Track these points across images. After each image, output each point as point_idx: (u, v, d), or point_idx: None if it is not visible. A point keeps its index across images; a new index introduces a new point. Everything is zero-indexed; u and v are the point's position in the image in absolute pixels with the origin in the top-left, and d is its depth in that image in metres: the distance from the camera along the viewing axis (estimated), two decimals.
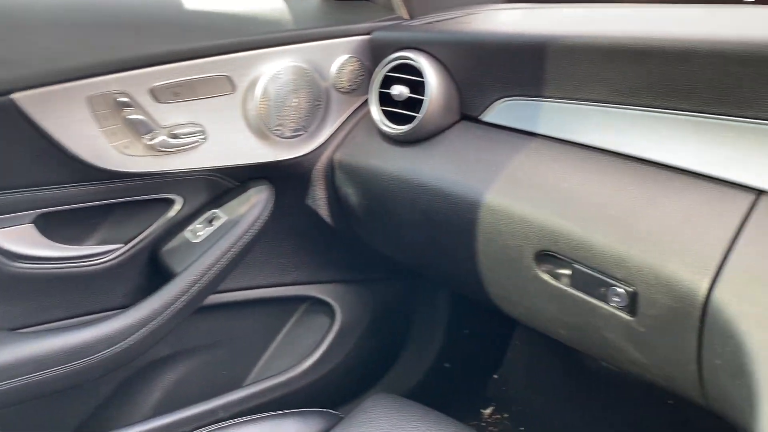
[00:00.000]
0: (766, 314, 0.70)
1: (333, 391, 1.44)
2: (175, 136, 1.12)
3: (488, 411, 1.77)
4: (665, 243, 0.80)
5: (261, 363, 1.41)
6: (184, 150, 1.14)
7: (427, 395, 1.66)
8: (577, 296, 0.92)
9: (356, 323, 1.41)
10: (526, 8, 1.30)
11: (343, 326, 1.38)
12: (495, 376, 1.82)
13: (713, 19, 0.99)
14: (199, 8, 1.16)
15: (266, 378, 1.36)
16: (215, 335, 1.37)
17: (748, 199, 0.77)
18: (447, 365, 1.68)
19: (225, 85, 1.14)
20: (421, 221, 1.11)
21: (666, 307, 0.80)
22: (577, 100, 0.95)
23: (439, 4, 1.29)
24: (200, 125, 1.14)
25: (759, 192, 0.77)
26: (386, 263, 1.37)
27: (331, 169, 1.22)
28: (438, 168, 1.07)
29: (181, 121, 1.12)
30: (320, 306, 1.39)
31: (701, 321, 0.77)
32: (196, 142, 1.14)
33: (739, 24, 0.92)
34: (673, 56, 0.82)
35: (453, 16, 1.21)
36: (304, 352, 1.37)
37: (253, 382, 1.35)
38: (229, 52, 1.13)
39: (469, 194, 1.01)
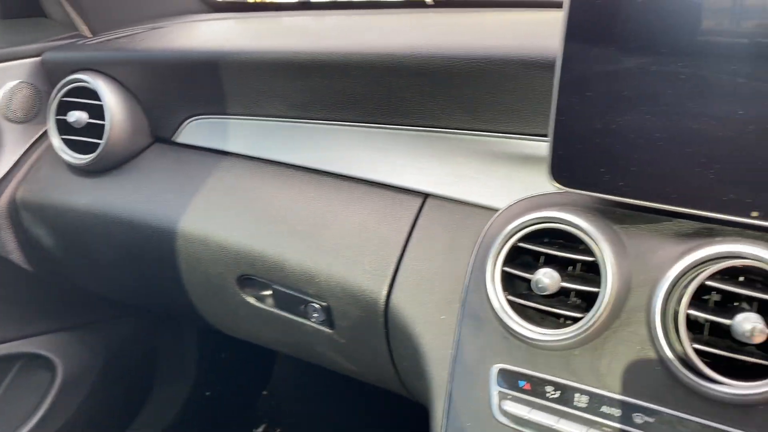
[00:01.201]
0: (432, 315, 0.73)
1: None
2: None
3: (260, 429, 1.73)
4: (347, 254, 0.80)
5: None
6: None
7: (190, 426, 1.56)
8: (283, 316, 0.90)
9: (84, 374, 1.27)
10: (225, 18, 1.25)
11: (67, 380, 1.23)
12: (264, 393, 1.78)
13: (386, 28, 1.02)
14: None
15: None
16: None
17: (416, 202, 0.80)
18: (208, 393, 1.60)
19: None
20: (122, 256, 1.01)
21: (356, 317, 0.81)
22: (258, 115, 0.92)
23: (127, 18, 1.19)
24: None
25: (425, 195, 0.80)
26: (109, 302, 1.25)
27: (15, 210, 1.07)
28: (130, 198, 0.98)
29: None
30: (37, 361, 1.23)
31: (386, 327, 0.79)
32: None
33: (406, 32, 0.96)
34: (333, 70, 0.82)
35: (138, 32, 1.12)
36: (21, 416, 1.20)
37: None
38: None
39: (164, 224, 0.94)
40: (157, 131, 1.03)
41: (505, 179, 0.75)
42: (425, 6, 1.22)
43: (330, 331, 0.86)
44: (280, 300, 0.88)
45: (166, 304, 1.10)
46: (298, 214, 0.86)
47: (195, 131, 0.99)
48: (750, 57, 0.53)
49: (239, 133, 0.94)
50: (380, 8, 1.21)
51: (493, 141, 0.77)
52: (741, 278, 0.58)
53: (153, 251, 0.96)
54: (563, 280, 0.61)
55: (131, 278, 1.05)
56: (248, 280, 0.90)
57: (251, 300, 0.91)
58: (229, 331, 1.04)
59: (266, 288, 0.90)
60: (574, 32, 0.59)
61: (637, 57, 0.57)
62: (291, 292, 0.85)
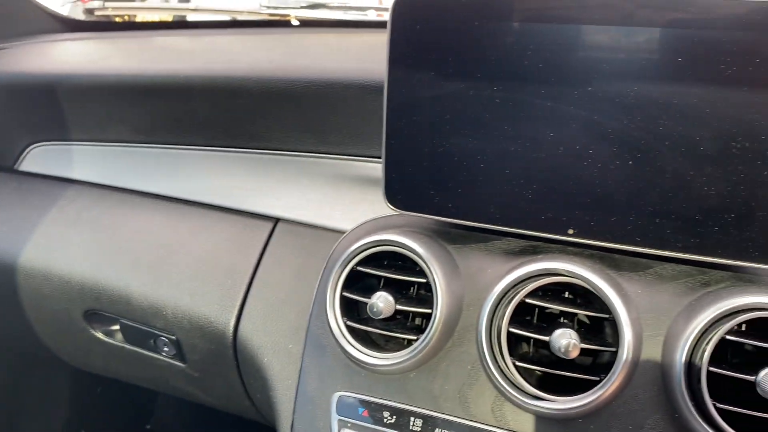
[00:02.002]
0: (280, 344, 0.71)
1: None
2: None
3: None
4: (194, 285, 0.77)
5: None
6: None
7: None
8: (135, 351, 0.86)
9: None
10: (80, 39, 1.19)
11: None
12: (148, 427, 1.69)
13: (238, 49, 1.00)
14: None
15: None
16: None
17: (267, 228, 0.78)
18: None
19: None
20: None
21: (206, 350, 0.78)
22: (103, 141, 0.88)
23: None
24: None
25: (276, 219, 0.79)
26: None
27: None
28: None
29: None
30: None
31: (236, 359, 0.76)
32: None
33: (256, 53, 0.94)
34: (175, 93, 0.79)
35: None
36: None
37: None
38: None
39: (3, 259, 0.87)
40: None
41: (353, 201, 0.75)
42: (291, 26, 1.21)
43: (182, 365, 0.82)
44: (129, 335, 0.84)
45: (20, 342, 1.03)
46: (145, 243, 0.82)
47: (39, 158, 0.93)
48: (555, 82, 0.55)
49: (84, 160, 0.89)
50: (245, 27, 1.19)
51: (341, 164, 0.76)
52: (567, 294, 0.60)
53: None
54: (399, 303, 0.61)
55: None
56: (95, 315, 0.85)
57: (100, 335, 0.86)
58: (87, 368, 0.98)
59: (114, 323, 0.85)
60: (396, 58, 0.60)
61: (456, 82, 0.58)
62: (139, 326, 0.81)
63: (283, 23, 1.20)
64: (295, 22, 1.18)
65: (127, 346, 0.85)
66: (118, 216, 0.85)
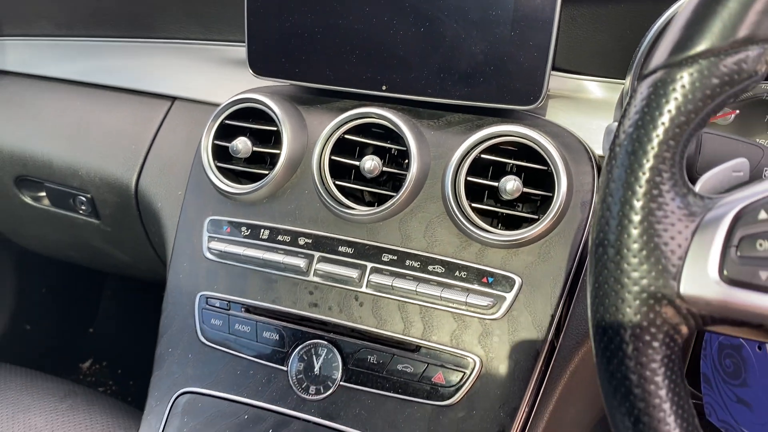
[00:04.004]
0: (172, 192, 0.88)
1: None
2: None
3: (86, 364, 1.80)
4: (105, 150, 0.94)
5: None
6: None
7: (10, 360, 1.61)
8: (58, 213, 1.02)
9: None
10: None
11: None
12: (90, 330, 1.85)
13: None
14: None
15: None
16: None
17: (166, 105, 0.95)
18: (28, 327, 1.66)
19: None
20: None
21: (114, 204, 0.95)
22: (31, 36, 1.03)
23: None
24: None
25: (173, 98, 0.95)
26: None
27: None
28: None
29: None
30: None
31: (138, 209, 0.93)
32: None
33: None
34: None
35: None
36: None
37: None
38: None
39: None
40: None
41: (234, 80, 0.91)
42: None
43: (97, 221, 0.99)
44: (53, 196, 1.00)
45: None
46: (65, 120, 0.98)
47: None
48: None
49: (15, 52, 1.04)
50: None
51: (225, 49, 0.93)
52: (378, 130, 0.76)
53: None
54: (255, 146, 0.78)
55: None
56: (24, 181, 1.01)
57: (28, 200, 1.02)
58: (20, 239, 1.14)
59: (40, 188, 1.01)
60: None
61: None
62: (60, 188, 0.97)
63: None
64: None
65: (52, 209, 1.01)
66: (42, 99, 1.01)
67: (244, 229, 0.78)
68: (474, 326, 0.68)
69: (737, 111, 0.76)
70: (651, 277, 0.36)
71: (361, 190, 0.76)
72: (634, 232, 0.36)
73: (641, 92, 0.37)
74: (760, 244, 0.35)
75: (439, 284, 0.69)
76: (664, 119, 0.36)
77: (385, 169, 0.73)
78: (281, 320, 0.74)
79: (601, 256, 0.37)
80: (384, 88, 0.76)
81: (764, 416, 0.58)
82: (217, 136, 0.80)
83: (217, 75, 0.92)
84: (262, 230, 0.77)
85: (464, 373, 0.67)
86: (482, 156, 0.70)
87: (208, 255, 0.79)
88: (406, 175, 0.72)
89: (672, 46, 0.36)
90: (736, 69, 0.36)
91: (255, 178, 0.79)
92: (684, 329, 0.37)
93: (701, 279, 0.35)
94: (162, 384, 0.76)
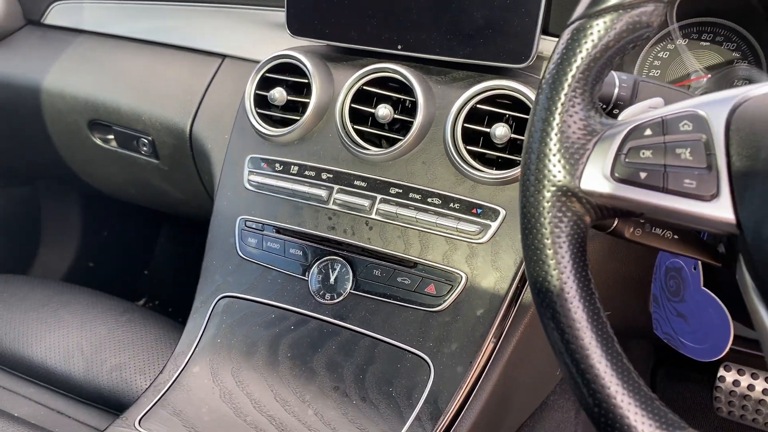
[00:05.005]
0: (220, 136, 1.02)
1: None
2: None
3: (141, 302, 2.00)
4: (164, 99, 1.10)
5: None
6: None
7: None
8: (123, 153, 1.19)
9: None
10: None
11: None
12: (145, 273, 2.05)
13: None
14: None
15: None
16: None
17: (217, 62, 1.10)
18: (91, 264, 1.86)
19: None
20: (1, 116, 1.27)
21: (171, 145, 1.11)
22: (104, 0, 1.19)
23: None
24: None
25: (224, 56, 1.10)
26: None
27: None
28: (6, 65, 1.24)
29: None
30: None
31: (191, 150, 1.08)
32: None
33: None
34: None
35: None
36: None
37: None
38: None
39: (32, 83, 1.20)
40: (29, 15, 1.28)
41: (273, 41, 1.05)
42: None
43: (156, 161, 1.15)
44: (119, 138, 1.17)
45: (38, 162, 1.36)
46: (131, 72, 1.14)
47: (60, 14, 1.25)
48: None
49: (91, 14, 1.21)
50: None
51: (269, 14, 1.07)
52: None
53: (25, 107, 1.22)
54: (289, 95, 0.92)
55: (9, 137, 1.30)
56: (96, 125, 1.18)
57: (99, 142, 1.19)
58: (89, 178, 1.32)
59: (109, 132, 1.18)
60: None
61: None
62: (125, 131, 1.14)
63: None
64: None
65: (119, 150, 1.18)
66: (112, 54, 1.17)
67: (277, 165, 0.92)
68: (463, 248, 0.81)
69: (709, 75, 0.87)
70: (561, 176, 0.48)
71: (378, 135, 0.89)
72: (550, 142, 0.48)
73: (563, 37, 0.49)
74: (643, 153, 0.47)
75: (436, 213, 0.83)
76: (577, 59, 0.48)
77: (396, 116, 0.86)
78: (305, 240, 0.89)
79: (526, 160, 0.50)
80: (399, 47, 0.89)
81: (695, 325, 0.69)
82: (258, 87, 0.95)
83: (260, 36, 1.07)
84: (292, 166, 0.92)
85: (452, 285, 0.80)
86: (478, 106, 0.82)
87: (248, 186, 0.94)
88: (413, 121, 0.84)
89: (586, 2, 0.48)
90: (635, 21, 0.48)
91: (288, 123, 0.93)
92: (587, 218, 0.49)
93: (597, 178, 0.48)
94: (206, 289, 0.92)
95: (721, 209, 0.45)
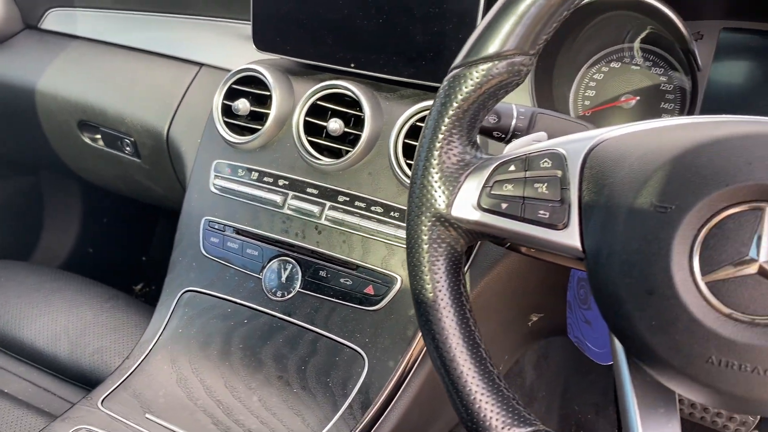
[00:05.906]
0: (193, 139, 1.11)
1: None
2: None
3: (138, 286, 2.11)
4: (146, 103, 1.18)
5: None
6: None
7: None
8: (110, 152, 1.28)
9: None
10: None
11: None
12: (144, 259, 2.15)
13: None
14: None
15: None
16: None
17: (195, 69, 1.18)
18: (90, 250, 1.96)
19: None
20: (4, 114, 1.36)
21: (151, 146, 1.19)
22: (95, 8, 1.27)
23: None
24: None
25: (201, 64, 1.18)
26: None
27: None
28: (5, 68, 1.33)
29: None
30: None
31: (168, 151, 1.17)
32: None
33: None
34: None
35: None
36: None
37: None
38: None
39: (28, 86, 1.29)
40: (27, 20, 1.37)
41: (245, 53, 1.13)
42: None
43: (138, 160, 1.24)
44: (106, 139, 1.26)
45: (38, 156, 1.46)
46: (116, 77, 1.22)
47: (57, 20, 1.33)
48: None
49: (83, 22, 1.29)
50: None
51: (245, 27, 1.14)
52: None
53: (23, 107, 1.31)
54: (252, 105, 1.00)
55: (10, 134, 1.40)
56: (85, 125, 1.27)
57: (88, 141, 1.28)
58: (82, 173, 1.41)
59: (97, 132, 1.27)
60: None
61: None
62: (111, 132, 1.23)
63: None
64: None
65: (105, 149, 1.27)
66: (102, 59, 1.25)
67: (240, 171, 1.01)
68: (400, 254, 0.89)
69: (638, 97, 0.93)
70: (437, 204, 0.56)
71: (331, 146, 0.96)
72: (428, 174, 0.56)
73: (444, 82, 0.56)
74: (506, 186, 0.54)
75: (378, 221, 0.90)
76: (453, 103, 0.55)
77: (346, 129, 0.93)
78: (261, 241, 0.97)
79: (411, 189, 0.57)
80: (352, 65, 0.96)
81: (599, 330, 0.76)
82: (225, 97, 1.02)
83: (234, 47, 1.14)
84: (253, 173, 1.00)
85: (389, 287, 0.88)
86: (418, 124, 0.89)
87: (213, 189, 1.02)
88: (360, 135, 0.92)
89: (463, 53, 0.55)
90: (506, 71, 0.55)
91: (252, 131, 1.01)
92: (462, 241, 0.56)
93: (467, 207, 0.55)
94: (172, 284, 1.01)
95: (570, 237, 0.52)
